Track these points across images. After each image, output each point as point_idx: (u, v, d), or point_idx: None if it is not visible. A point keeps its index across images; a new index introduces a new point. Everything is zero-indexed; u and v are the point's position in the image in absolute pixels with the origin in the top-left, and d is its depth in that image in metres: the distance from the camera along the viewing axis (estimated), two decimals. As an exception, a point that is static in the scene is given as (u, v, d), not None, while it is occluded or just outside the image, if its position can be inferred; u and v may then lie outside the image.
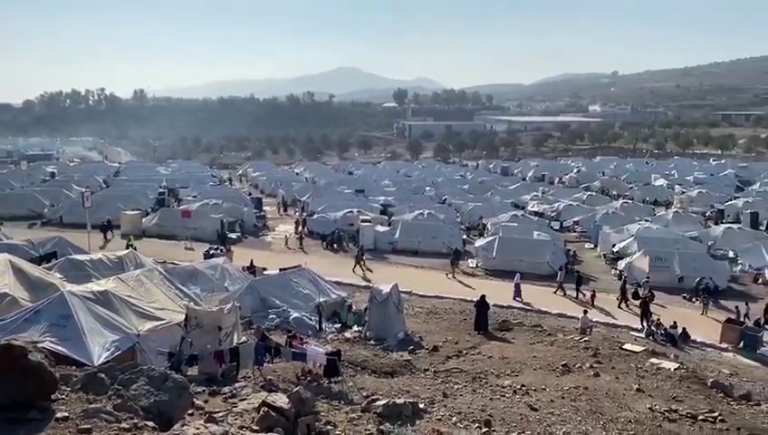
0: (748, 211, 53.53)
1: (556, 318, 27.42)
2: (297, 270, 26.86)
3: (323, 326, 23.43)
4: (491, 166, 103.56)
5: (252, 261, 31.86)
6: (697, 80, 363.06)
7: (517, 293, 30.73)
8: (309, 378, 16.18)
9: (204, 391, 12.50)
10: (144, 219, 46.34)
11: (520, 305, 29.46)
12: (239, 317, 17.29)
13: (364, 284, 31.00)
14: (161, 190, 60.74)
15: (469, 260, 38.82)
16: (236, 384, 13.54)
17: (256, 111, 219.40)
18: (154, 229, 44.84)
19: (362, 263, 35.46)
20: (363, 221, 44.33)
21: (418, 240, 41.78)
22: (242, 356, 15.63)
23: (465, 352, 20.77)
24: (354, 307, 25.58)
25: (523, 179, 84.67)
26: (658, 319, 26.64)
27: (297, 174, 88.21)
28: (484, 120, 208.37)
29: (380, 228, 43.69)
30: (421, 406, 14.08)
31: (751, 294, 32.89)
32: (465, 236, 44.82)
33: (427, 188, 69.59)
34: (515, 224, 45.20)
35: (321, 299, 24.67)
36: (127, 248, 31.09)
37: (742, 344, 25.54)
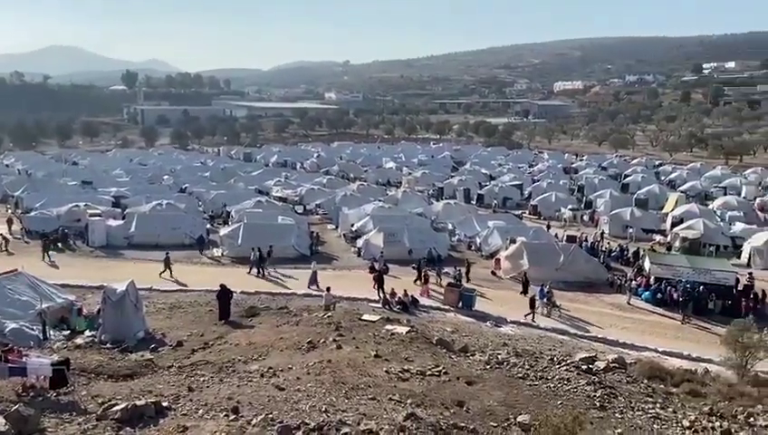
0: (462, 188, 61.14)
1: (302, 299, 28.27)
2: (12, 275, 23.56)
3: (48, 335, 21.03)
4: (233, 152, 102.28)
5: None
6: (418, 71, 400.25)
7: (313, 280, 30.76)
8: (32, 393, 14.42)
9: None
10: None
11: (268, 291, 29.72)
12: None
13: (98, 284, 28.39)
14: None
15: (214, 249, 37.99)
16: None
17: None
18: None
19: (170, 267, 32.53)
20: (92, 216, 40.55)
21: (158, 233, 39.54)
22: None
23: (211, 343, 20.35)
24: (86, 310, 23.38)
25: (266, 165, 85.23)
26: (392, 289, 29.05)
27: (8, 166, 77.20)
28: (224, 105, 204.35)
29: (113, 222, 40.42)
30: (165, 404, 13.50)
31: (467, 260, 37.54)
32: (208, 225, 43.67)
33: (165, 177, 66.22)
34: (260, 210, 45.36)
35: (44, 305, 22.06)
36: None
37: (461, 304, 29.16)
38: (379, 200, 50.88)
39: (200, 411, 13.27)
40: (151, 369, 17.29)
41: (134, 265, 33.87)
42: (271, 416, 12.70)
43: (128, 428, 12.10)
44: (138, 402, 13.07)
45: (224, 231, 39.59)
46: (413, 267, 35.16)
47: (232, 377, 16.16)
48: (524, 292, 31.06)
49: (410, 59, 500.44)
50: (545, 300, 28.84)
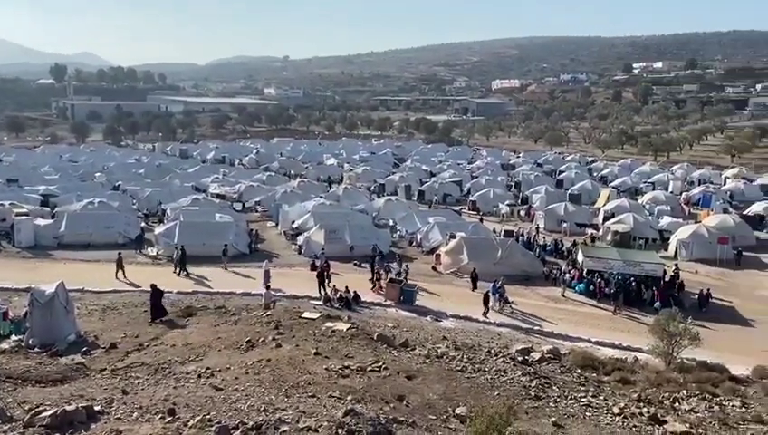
0: (403, 184, 61.54)
1: (241, 297, 27.89)
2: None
3: (-30, 341, 20.03)
4: (168, 149, 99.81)
5: None
6: (358, 67, 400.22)
7: (266, 279, 30.13)
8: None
9: None
10: None
11: (205, 290, 29.18)
12: None
13: (25, 286, 27.19)
14: None
15: (149, 248, 37.01)
16: None
17: None
18: None
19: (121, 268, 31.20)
20: (18, 215, 38.79)
21: (89, 232, 38.19)
22: None
23: (146, 344, 19.84)
24: (12, 314, 22.34)
25: (204, 162, 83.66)
26: (334, 286, 29.02)
27: (-77, 163, 73.01)
28: (159, 100, 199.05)
29: (41, 222, 38.80)
30: (97, 408, 13.06)
31: (408, 256, 37.94)
32: (143, 224, 42.51)
33: (98, 175, 63.87)
34: (197, 208, 44.46)
35: (-34, 309, 21.00)
36: None
37: (402, 299, 29.40)
38: (320, 197, 50.63)
39: (135, 415, 12.92)
40: (83, 373, 16.73)
41: (64, 266, 32.66)
42: (208, 417, 12.48)
43: (57, 434, 11.66)
44: (68, 408, 12.59)
45: (159, 230, 38.60)
46: (355, 264, 35.30)
47: (168, 378, 15.81)
48: (474, 287, 31.74)
49: (351, 55, 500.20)
50: (498, 296, 29.39)
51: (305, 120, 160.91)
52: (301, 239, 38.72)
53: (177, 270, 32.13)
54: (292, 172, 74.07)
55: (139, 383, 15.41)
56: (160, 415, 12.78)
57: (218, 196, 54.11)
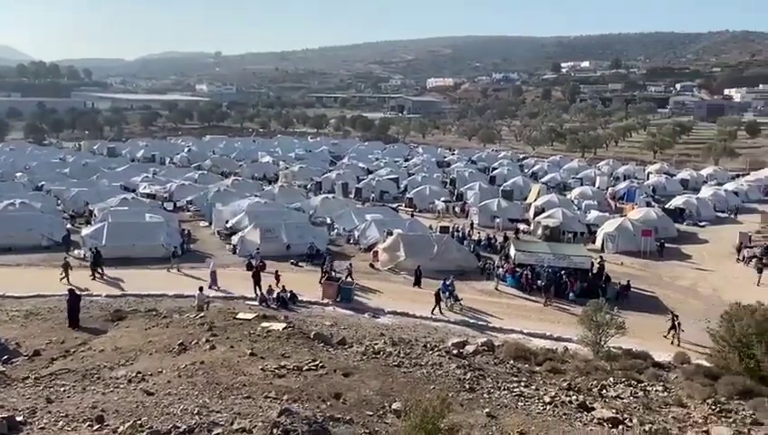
0: (340, 182, 61.44)
1: (174, 299, 27.26)
2: None
3: None
4: (95, 147, 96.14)
5: None
6: (293, 64, 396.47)
7: (213, 280, 29.83)
8: None
9: None
10: None
11: (135, 293, 28.35)
12: None
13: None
14: None
15: (76, 250, 35.57)
16: None
17: None
18: None
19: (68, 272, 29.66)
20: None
21: (10, 235, 36.41)
22: None
23: (73, 350, 19.07)
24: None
25: (133, 160, 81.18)
26: (270, 286, 28.71)
27: None
28: (85, 97, 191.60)
29: (-44, 225, 36.69)
30: (19, 419, 12.47)
31: (345, 253, 37.93)
32: (69, 226, 40.85)
33: (18, 174, 60.94)
34: (126, 208, 43.08)
35: None
36: None
37: (339, 298, 29.39)
38: (255, 195, 49.97)
39: (60, 423, 12.41)
40: (3, 382, 15.92)
41: (-18, 272, 31.00)
42: (139, 422, 12.14)
43: (-26, 449, 11.11)
44: (-13, 420, 11.98)
45: (86, 231, 37.18)
46: (292, 263, 35.01)
47: (96, 384, 15.26)
48: (417, 283, 32.02)
49: (285, 51, 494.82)
50: (447, 293, 29.67)
51: (239, 118, 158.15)
52: (235, 239, 38.08)
53: (93, 273, 30.91)
54: (225, 170, 72.71)
55: (64, 391, 14.80)
56: (88, 423, 12.34)
57: (148, 195, 52.58)
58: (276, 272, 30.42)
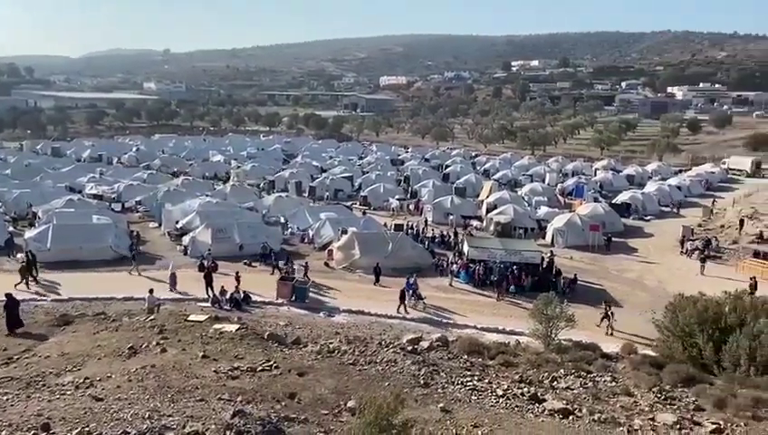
0: (293, 181, 61.03)
1: (123, 302, 26.64)
2: None
3: None
4: (39, 147, 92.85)
5: None
6: (244, 61, 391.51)
7: (173, 283, 29.35)
8: None
9: None
10: None
11: (83, 296, 27.54)
12: None
13: None
14: None
15: (19, 254, 34.31)
16: None
17: None
18: None
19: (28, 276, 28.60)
20: None
21: (-54, 238, 34.93)
22: None
23: (16, 357, 18.42)
24: None
25: (78, 160, 78.88)
26: (222, 287, 28.32)
27: None
28: (26, 95, 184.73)
29: None
30: (-41, 431, 12.01)
31: (300, 253, 37.70)
32: (11, 228, 39.40)
33: (-45, 176, 58.39)
34: (72, 209, 41.85)
35: None
36: None
37: (294, 297, 29.21)
38: (207, 195, 49.20)
39: (3, 433, 11.99)
40: (-60, 393, 15.25)
41: None
42: (87, 429, 11.83)
43: None
44: (-77, 433, 11.49)
45: (29, 234, 35.89)
46: (244, 263, 34.58)
47: (42, 392, 14.78)
48: (377, 281, 32.29)
49: (236, 49, 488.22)
50: (411, 292, 29.73)
51: (189, 116, 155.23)
52: (186, 240, 37.42)
53: (23, 278, 29.33)
54: (175, 170, 71.34)
55: (8, 399, 14.28)
56: (33, 431, 11.96)
57: (95, 196, 51.23)
58: (237, 273, 30.06)
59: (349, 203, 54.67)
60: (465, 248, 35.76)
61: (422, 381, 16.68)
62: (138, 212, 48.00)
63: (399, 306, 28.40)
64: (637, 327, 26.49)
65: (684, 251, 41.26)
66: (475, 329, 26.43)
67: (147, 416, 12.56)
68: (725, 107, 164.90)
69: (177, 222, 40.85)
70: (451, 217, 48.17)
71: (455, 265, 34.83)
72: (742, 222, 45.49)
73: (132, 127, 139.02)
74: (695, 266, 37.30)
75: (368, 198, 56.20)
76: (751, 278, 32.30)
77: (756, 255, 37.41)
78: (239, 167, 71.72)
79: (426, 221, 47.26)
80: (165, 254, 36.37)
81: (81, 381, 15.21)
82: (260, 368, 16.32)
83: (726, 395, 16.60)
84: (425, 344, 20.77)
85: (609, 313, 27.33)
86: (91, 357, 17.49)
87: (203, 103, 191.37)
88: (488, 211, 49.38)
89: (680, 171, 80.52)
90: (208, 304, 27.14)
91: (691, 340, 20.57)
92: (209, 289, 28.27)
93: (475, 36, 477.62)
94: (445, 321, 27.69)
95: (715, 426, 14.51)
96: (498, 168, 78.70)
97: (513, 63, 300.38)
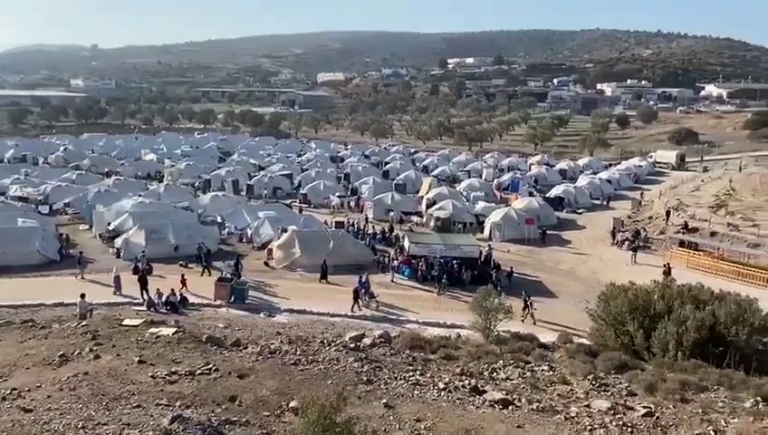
0: (230, 179, 59.92)
1: (52, 308, 25.59)
2: None
3: None
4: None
5: None
6: (176, 57, 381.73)
7: (117, 286, 28.67)
8: None
9: None
10: None
11: (9, 303, 26.23)
12: None
13: None
14: None
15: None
16: None
17: None
18: None
19: None
20: None
21: None
22: None
23: (-65, 370, 17.37)
24: None
25: (1, 161, 75.10)
26: (158, 289, 27.55)
27: None
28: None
29: None
30: None
31: (238, 253, 37.05)
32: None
33: None
34: (-5, 212, 39.82)
35: None
36: None
37: (233, 298, 28.71)
38: (139, 195, 47.73)
39: None
40: None
41: None
42: (15, 442, 11.30)
43: None
44: None
45: (-53, 239, 33.94)
46: (180, 265, 33.74)
47: (-36, 406, 13.99)
48: (323, 278, 32.30)
49: (167, 45, 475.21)
50: (364, 291, 29.61)
51: (119, 114, 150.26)
52: (119, 242, 36.22)
53: None
54: (106, 170, 69.01)
55: (-74, 416, 13.46)
56: (-45, 448, 11.33)
57: (20, 198, 49.02)
58: (182, 276, 29.34)
59: (288, 201, 54.13)
60: (406, 244, 36.01)
61: (365, 378, 16.68)
62: (67, 214, 46.23)
63: (353, 305, 28.39)
64: (571, 317, 27.29)
65: (615, 242, 42.85)
66: (417, 324, 26.69)
67: (80, 426, 12.10)
68: (651, 103, 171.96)
69: (108, 224, 39.50)
70: (392, 213, 48.43)
71: (395, 262, 35.02)
72: (668, 213, 47.62)
73: (59, 126, 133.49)
74: (625, 257, 38.81)
75: (308, 196, 55.83)
76: (664, 265, 34.08)
77: (682, 244, 39.26)
78: (173, 166, 69.97)
79: (366, 218, 47.33)
80: (97, 256, 35.09)
81: (8, 392, 14.46)
82: (199, 371, 15.94)
83: (657, 380, 17.29)
84: (367, 341, 20.78)
85: (528, 303, 28.16)
86: (19, 367, 16.67)
87: (134, 101, 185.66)
88: (428, 207, 49.90)
89: (610, 165, 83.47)
90: (144, 308, 26.37)
91: (623, 328, 21.34)
92: (144, 292, 27.49)
93: (412, 33, 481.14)
94: (387, 317, 27.81)
95: (646, 410, 15.08)
96: (437, 164, 79.59)
97: (449, 61, 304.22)
